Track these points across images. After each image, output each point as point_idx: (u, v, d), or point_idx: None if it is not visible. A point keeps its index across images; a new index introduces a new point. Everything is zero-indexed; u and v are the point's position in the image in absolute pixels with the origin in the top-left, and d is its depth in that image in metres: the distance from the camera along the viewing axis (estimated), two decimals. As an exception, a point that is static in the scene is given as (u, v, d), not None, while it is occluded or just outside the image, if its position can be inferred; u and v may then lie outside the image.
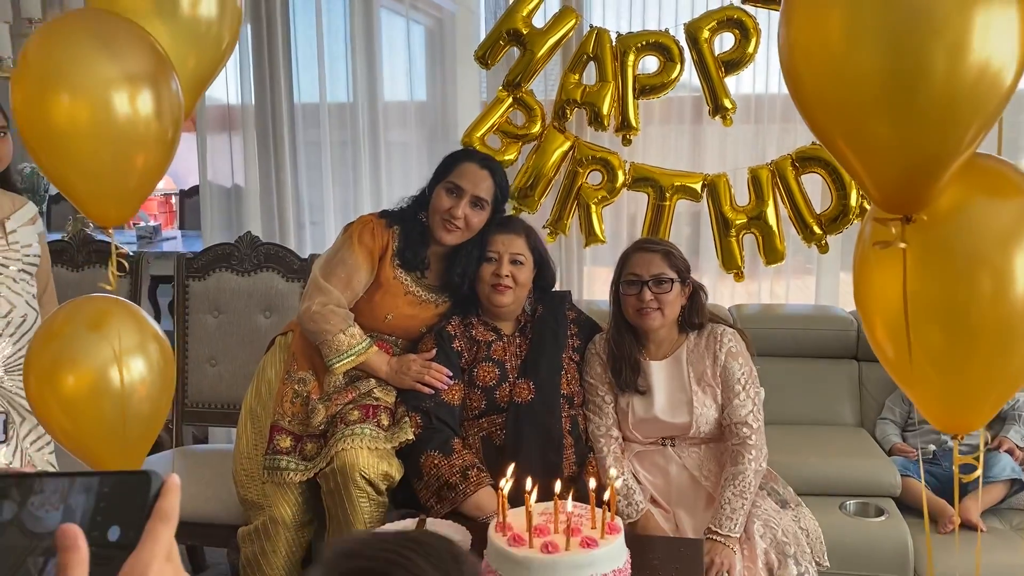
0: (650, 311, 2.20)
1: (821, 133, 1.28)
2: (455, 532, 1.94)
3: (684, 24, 2.65)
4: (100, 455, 1.53)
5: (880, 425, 2.88)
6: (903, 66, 1.11)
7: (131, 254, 2.90)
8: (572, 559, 1.63)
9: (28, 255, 2.04)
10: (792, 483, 2.32)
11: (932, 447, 2.70)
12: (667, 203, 2.70)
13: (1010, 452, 2.58)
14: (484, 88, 3.66)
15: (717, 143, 3.34)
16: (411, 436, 2.17)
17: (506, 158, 2.72)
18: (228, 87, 3.72)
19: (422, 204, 2.32)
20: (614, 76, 2.67)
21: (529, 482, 1.72)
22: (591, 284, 3.49)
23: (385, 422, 2.20)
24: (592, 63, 2.71)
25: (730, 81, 2.65)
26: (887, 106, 1.14)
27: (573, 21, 2.72)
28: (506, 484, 1.77)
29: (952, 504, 2.26)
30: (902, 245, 1.24)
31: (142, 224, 4.70)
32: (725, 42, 2.65)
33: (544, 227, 2.75)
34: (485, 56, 2.75)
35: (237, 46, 2.10)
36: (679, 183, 2.70)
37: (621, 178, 2.71)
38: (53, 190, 4.65)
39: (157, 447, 2.39)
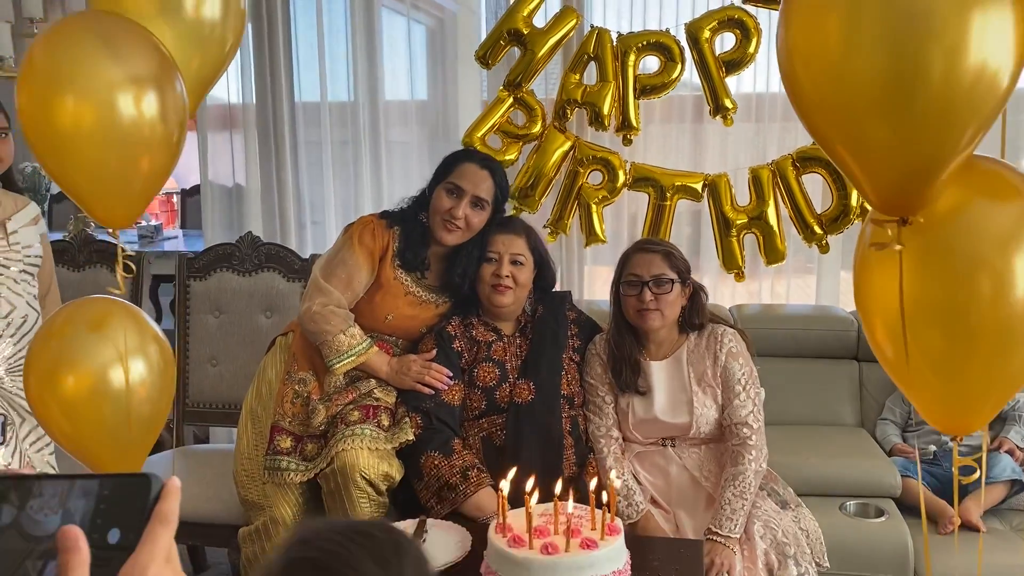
0: (650, 312, 2.20)
1: (819, 135, 1.28)
2: (455, 533, 1.94)
3: (685, 24, 2.65)
4: (100, 457, 1.53)
5: (880, 426, 2.87)
6: (901, 69, 1.12)
7: (133, 253, 2.90)
8: (572, 560, 1.63)
9: (29, 256, 2.04)
10: (792, 484, 2.32)
11: (932, 448, 2.69)
12: (668, 203, 2.70)
13: (1010, 453, 2.59)
14: (485, 88, 3.65)
15: (718, 143, 3.33)
16: (411, 436, 2.18)
17: (507, 158, 2.72)
18: (229, 86, 3.71)
19: (422, 204, 2.32)
20: (615, 76, 2.67)
21: (530, 483, 1.72)
22: (591, 284, 3.49)
23: (385, 422, 2.20)
24: (593, 63, 2.71)
25: (731, 81, 2.65)
26: (885, 109, 1.14)
27: (574, 21, 2.72)
28: (506, 485, 1.77)
29: (952, 505, 2.26)
30: (898, 247, 1.24)
31: (143, 223, 4.70)
32: (726, 42, 2.65)
33: (545, 227, 2.75)
34: (486, 56, 2.75)
35: (238, 46, 2.10)
36: (680, 183, 2.70)
37: (622, 178, 2.71)
38: (55, 189, 4.65)
39: (158, 447, 2.40)
